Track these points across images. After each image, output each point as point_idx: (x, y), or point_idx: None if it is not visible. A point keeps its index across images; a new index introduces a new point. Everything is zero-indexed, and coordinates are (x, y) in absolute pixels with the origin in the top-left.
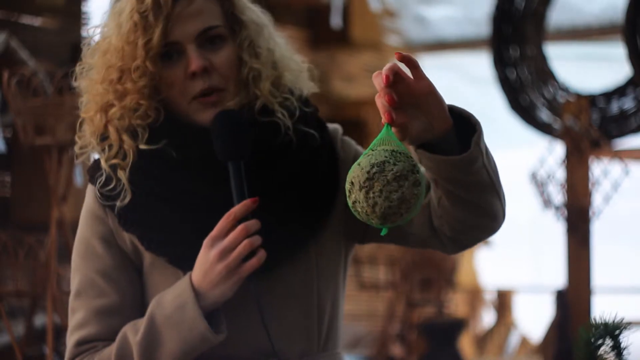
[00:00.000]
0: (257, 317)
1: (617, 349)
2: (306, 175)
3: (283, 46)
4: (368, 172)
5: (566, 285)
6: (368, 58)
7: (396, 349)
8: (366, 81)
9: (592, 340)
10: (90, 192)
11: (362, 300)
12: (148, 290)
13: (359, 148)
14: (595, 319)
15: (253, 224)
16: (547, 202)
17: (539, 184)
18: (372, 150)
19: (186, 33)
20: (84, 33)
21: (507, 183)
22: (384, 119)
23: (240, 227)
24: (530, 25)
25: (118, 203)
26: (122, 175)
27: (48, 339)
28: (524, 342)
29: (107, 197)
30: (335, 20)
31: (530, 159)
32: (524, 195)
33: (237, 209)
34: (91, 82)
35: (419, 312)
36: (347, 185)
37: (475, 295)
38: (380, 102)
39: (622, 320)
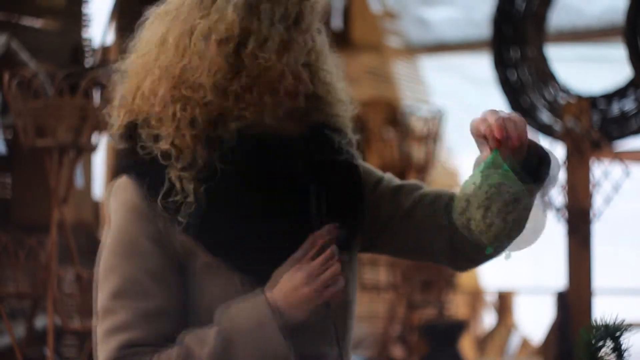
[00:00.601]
0: (328, 335)
1: (618, 350)
2: (352, 192)
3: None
4: (486, 192)
5: (567, 286)
6: (369, 59)
7: (397, 351)
8: (367, 82)
9: (593, 341)
10: (131, 188)
11: (363, 302)
12: (195, 291)
13: (377, 171)
14: (596, 321)
15: (336, 250)
16: (547, 204)
17: None
18: (482, 172)
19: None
20: (84, 35)
21: None
22: (492, 144)
23: (328, 254)
24: (531, 26)
25: (181, 215)
26: (189, 185)
27: (49, 340)
28: (525, 343)
29: (156, 194)
30: (336, 22)
31: None
32: None
33: (322, 234)
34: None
35: (419, 313)
36: (461, 203)
37: (475, 296)
38: (488, 127)
39: (622, 322)
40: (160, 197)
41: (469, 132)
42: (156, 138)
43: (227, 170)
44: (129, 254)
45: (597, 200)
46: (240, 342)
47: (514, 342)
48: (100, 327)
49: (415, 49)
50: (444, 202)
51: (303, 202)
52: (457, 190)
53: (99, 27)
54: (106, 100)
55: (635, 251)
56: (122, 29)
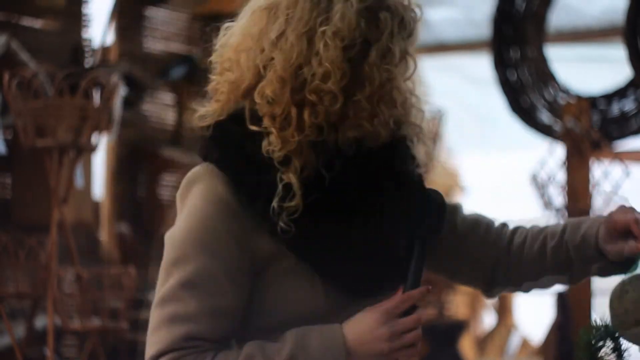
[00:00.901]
0: None
1: (618, 350)
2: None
3: None
4: None
5: (567, 287)
6: None
7: None
8: None
9: (593, 342)
10: (220, 180)
11: None
12: (273, 293)
13: None
14: (596, 321)
15: (423, 313)
16: (547, 204)
17: (540, 186)
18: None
19: None
20: (84, 35)
21: (507, 185)
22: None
23: (415, 317)
24: (531, 26)
25: (282, 224)
26: (298, 191)
27: (49, 340)
28: (525, 343)
29: (243, 187)
30: None
31: (531, 161)
32: (525, 197)
33: (415, 294)
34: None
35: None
36: (618, 310)
37: (475, 296)
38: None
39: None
40: (260, 198)
41: (609, 225)
42: (262, 137)
43: (335, 179)
44: (208, 248)
45: (597, 201)
46: None
47: (514, 342)
48: (163, 311)
49: (415, 49)
50: (495, 232)
51: (396, 221)
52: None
53: (98, 28)
54: (106, 100)
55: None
56: (122, 29)
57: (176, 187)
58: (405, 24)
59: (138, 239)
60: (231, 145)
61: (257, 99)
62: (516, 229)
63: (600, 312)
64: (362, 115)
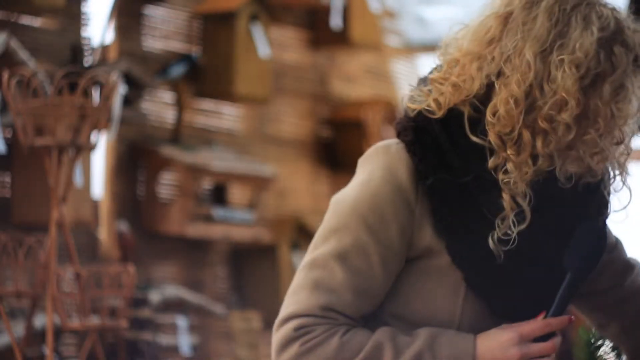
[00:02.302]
0: None
1: (617, 349)
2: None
3: None
4: None
5: None
6: (368, 59)
7: None
8: (366, 82)
9: (592, 341)
10: (404, 163)
11: None
12: (414, 284)
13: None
14: None
15: (558, 341)
16: None
17: None
18: None
19: None
20: (84, 34)
21: None
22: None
23: (550, 344)
24: None
25: (494, 237)
26: (521, 189)
27: (48, 339)
28: None
29: (425, 176)
30: (335, 21)
31: None
32: None
33: (556, 323)
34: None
35: None
36: None
37: None
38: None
39: None
40: (442, 197)
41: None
42: (478, 148)
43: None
44: (373, 228)
45: None
46: None
47: None
48: (310, 274)
49: (415, 48)
50: None
51: (560, 253)
52: None
53: (98, 26)
54: (106, 98)
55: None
56: (121, 27)
57: (175, 186)
58: (639, 62)
59: (137, 237)
60: (430, 139)
61: (489, 116)
62: None
63: None
64: (588, 151)
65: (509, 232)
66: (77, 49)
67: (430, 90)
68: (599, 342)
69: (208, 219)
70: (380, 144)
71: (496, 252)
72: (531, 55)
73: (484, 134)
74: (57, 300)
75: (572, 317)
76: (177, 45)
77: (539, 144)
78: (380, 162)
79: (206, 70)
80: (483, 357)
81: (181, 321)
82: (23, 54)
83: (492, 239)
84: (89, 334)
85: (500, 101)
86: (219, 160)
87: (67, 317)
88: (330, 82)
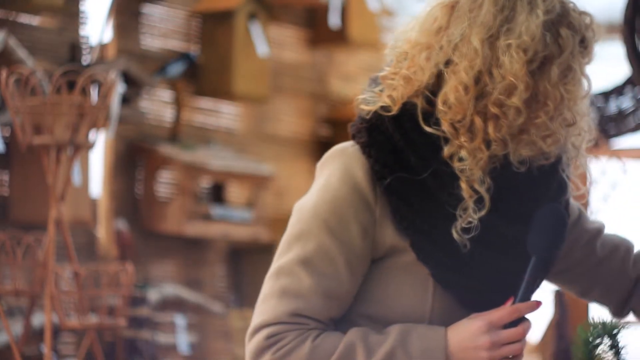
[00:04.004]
0: None
1: (615, 348)
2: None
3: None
4: None
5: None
6: (366, 57)
7: None
8: (365, 80)
9: (591, 339)
10: (359, 164)
11: None
12: (382, 283)
13: (573, 202)
14: (593, 319)
15: (529, 325)
16: None
17: None
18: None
19: None
20: (82, 32)
21: None
22: None
23: (520, 329)
24: None
25: (464, 222)
26: (477, 172)
27: (46, 338)
28: None
29: (382, 177)
30: (334, 20)
31: None
32: None
33: (524, 307)
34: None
35: None
36: None
37: None
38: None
39: (620, 320)
40: (401, 195)
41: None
42: (434, 139)
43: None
44: (335, 231)
45: (595, 198)
46: None
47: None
48: (277, 282)
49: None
50: (634, 259)
51: (523, 240)
52: None
53: (96, 25)
54: (104, 97)
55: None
56: (120, 26)
57: (174, 184)
58: (585, 43)
59: (136, 236)
60: (384, 139)
61: (440, 104)
62: None
63: (597, 310)
64: (539, 134)
65: (471, 219)
66: (75, 48)
67: (382, 90)
68: (598, 341)
69: (206, 217)
70: (337, 147)
71: (461, 242)
72: (478, 41)
73: (437, 124)
74: (56, 299)
75: (540, 301)
76: (175, 44)
77: (490, 129)
78: (337, 165)
79: (205, 69)
80: (454, 348)
81: (180, 320)
82: (21, 53)
83: (456, 230)
84: (87, 332)
85: (450, 89)
86: (217, 159)
87: (66, 316)
88: (329, 81)
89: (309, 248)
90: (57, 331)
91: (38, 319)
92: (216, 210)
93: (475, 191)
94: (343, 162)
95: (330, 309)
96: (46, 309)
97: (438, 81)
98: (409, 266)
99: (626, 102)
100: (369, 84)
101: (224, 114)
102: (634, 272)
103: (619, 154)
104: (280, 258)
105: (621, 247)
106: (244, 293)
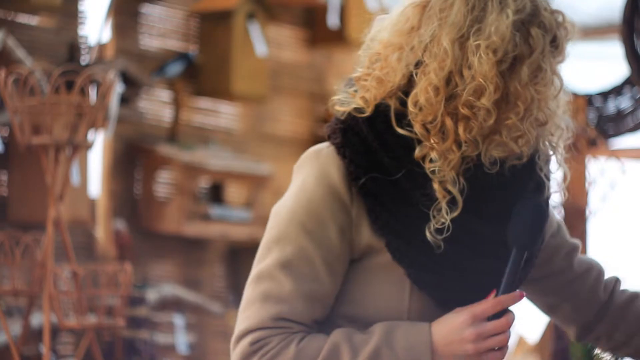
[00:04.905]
0: None
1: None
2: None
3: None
4: None
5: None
6: None
7: None
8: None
9: None
10: (335, 165)
11: None
12: (361, 283)
13: (553, 214)
14: None
15: (512, 317)
16: None
17: None
18: None
19: None
20: (80, 32)
21: None
22: None
23: (504, 321)
24: None
25: (437, 222)
26: (449, 173)
27: (45, 338)
28: (521, 341)
29: (357, 177)
30: (333, 20)
31: None
32: None
33: (506, 299)
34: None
35: None
36: None
37: None
38: None
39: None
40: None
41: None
42: (407, 140)
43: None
44: (312, 233)
45: (593, 198)
46: None
47: (510, 340)
48: (257, 287)
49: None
50: (606, 284)
51: (500, 238)
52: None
53: (95, 25)
54: (102, 97)
55: (631, 249)
56: (118, 26)
57: (172, 184)
58: (556, 43)
59: (134, 236)
60: (358, 139)
61: (410, 106)
62: (631, 292)
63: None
64: (510, 135)
65: (443, 220)
66: (74, 48)
67: (356, 90)
68: None
69: (205, 217)
70: (312, 148)
71: (434, 243)
72: (448, 42)
73: (410, 125)
74: (54, 299)
75: (523, 293)
76: (174, 44)
77: (461, 130)
78: (312, 167)
79: (203, 69)
80: (439, 343)
81: (178, 320)
82: (20, 53)
83: (429, 231)
84: (86, 332)
85: (421, 90)
86: (216, 158)
87: (64, 316)
88: (327, 81)
89: (287, 251)
90: (55, 331)
91: (37, 319)
92: (215, 210)
93: (448, 192)
94: (318, 163)
95: (313, 311)
96: (45, 309)
97: (410, 82)
98: (385, 266)
99: (625, 102)
100: (344, 84)
101: (223, 114)
102: (603, 295)
103: (617, 154)
104: (260, 263)
105: (595, 268)
106: (242, 293)
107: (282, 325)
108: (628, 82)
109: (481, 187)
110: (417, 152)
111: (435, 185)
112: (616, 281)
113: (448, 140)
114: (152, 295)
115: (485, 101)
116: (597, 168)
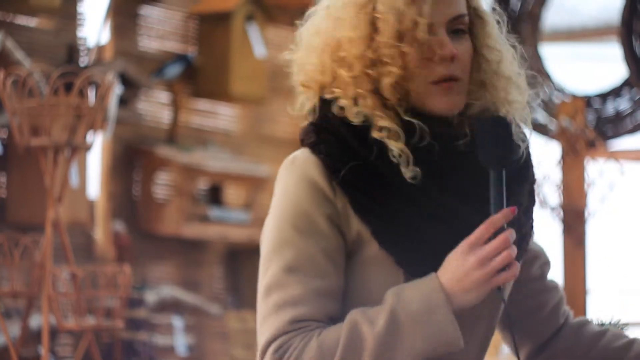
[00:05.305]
0: (476, 325)
1: None
2: (527, 204)
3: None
4: None
5: (562, 285)
6: None
7: None
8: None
9: None
10: (312, 164)
11: None
12: (356, 279)
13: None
14: (591, 320)
15: (512, 233)
16: (542, 203)
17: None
18: None
19: (441, 15)
20: (79, 34)
21: None
22: None
23: (502, 237)
24: (526, 26)
25: (408, 174)
26: (397, 145)
27: (43, 339)
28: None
29: (337, 169)
30: None
31: None
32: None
33: (497, 218)
34: (349, 40)
35: None
36: None
37: None
38: None
39: (617, 321)
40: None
41: None
42: (341, 120)
43: (428, 167)
44: (305, 231)
45: (592, 200)
46: (411, 325)
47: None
48: (269, 299)
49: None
50: (564, 303)
51: (473, 194)
52: None
53: (93, 26)
54: (101, 98)
55: (630, 250)
56: (117, 27)
57: (171, 186)
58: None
59: (133, 237)
60: (329, 134)
61: (342, 99)
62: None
63: (595, 310)
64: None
65: (413, 175)
66: (73, 49)
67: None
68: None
69: (204, 219)
70: (286, 159)
71: (418, 224)
72: (334, 10)
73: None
74: (53, 301)
75: (514, 207)
76: (173, 45)
77: (388, 93)
78: (290, 173)
79: (202, 71)
80: (449, 284)
81: (177, 321)
82: (19, 54)
83: (414, 212)
84: (84, 334)
85: (342, 81)
86: (214, 160)
87: (63, 317)
88: None
89: (288, 256)
90: (54, 333)
91: (35, 321)
92: (214, 212)
93: (402, 150)
94: (295, 168)
95: (326, 307)
96: (44, 310)
97: (334, 78)
98: (377, 258)
99: (623, 104)
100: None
101: (222, 116)
102: (562, 318)
103: (616, 155)
104: (265, 276)
105: (560, 290)
106: (241, 294)
107: (300, 327)
108: (627, 83)
109: (454, 166)
110: (373, 133)
111: (392, 147)
112: (570, 309)
113: (379, 108)
114: (151, 296)
115: (396, 69)
116: (596, 170)
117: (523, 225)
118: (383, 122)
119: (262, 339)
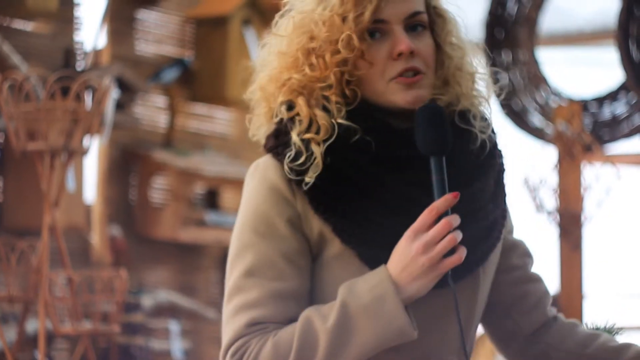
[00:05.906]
0: (447, 317)
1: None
2: (493, 192)
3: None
4: None
5: (558, 289)
6: None
7: None
8: None
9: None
10: (272, 168)
11: None
12: (323, 280)
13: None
14: (587, 324)
15: (455, 218)
16: (539, 207)
17: (531, 189)
18: None
19: (396, 13)
20: (76, 38)
21: None
22: None
23: (444, 221)
24: (523, 30)
25: (307, 179)
26: (317, 149)
27: (40, 344)
28: (482, 339)
29: (297, 173)
30: None
31: (523, 164)
32: (516, 200)
33: (439, 203)
34: (280, 53)
35: None
36: None
37: None
38: None
39: (613, 325)
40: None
41: None
42: (292, 120)
43: (345, 135)
44: (265, 234)
45: (589, 204)
46: (361, 317)
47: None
48: (230, 304)
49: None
50: (550, 299)
51: (423, 181)
52: None
53: (90, 30)
54: (98, 103)
55: (626, 254)
56: (114, 32)
57: (168, 190)
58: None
59: (130, 242)
60: (288, 137)
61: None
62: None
63: (591, 314)
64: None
65: (307, 181)
66: (69, 53)
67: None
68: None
69: (200, 223)
70: (251, 165)
71: (378, 215)
72: (323, 12)
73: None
74: (50, 305)
75: (457, 192)
76: (169, 50)
77: (333, 95)
78: (253, 178)
79: (199, 75)
80: (397, 271)
81: (173, 326)
82: (15, 58)
83: (372, 204)
84: (81, 338)
85: (273, 60)
86: (211, 164)
87: (60, 322)
88: None
89: (248, 260)
90: (51, 337)
91: (32, 325)
92: (210, 216)
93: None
94: (257, 172)
95: (286, 309)
96: (40, 315)
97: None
98: (341, 256)
99: (620, 108)
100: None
101: (218, 120)
102: (550, 313)
103: (613, 159)
104: (228, 281)
105: (543, 284)
106: None
107: (258, 329)
108: (623, 87)
109: (411, 157)
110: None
111: (315, 150)
112: (559, 313)
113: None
114: (147, 301)
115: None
116: (593, 174)
117: (490, 213)
118: (312, 124)
119: (223, 342)
